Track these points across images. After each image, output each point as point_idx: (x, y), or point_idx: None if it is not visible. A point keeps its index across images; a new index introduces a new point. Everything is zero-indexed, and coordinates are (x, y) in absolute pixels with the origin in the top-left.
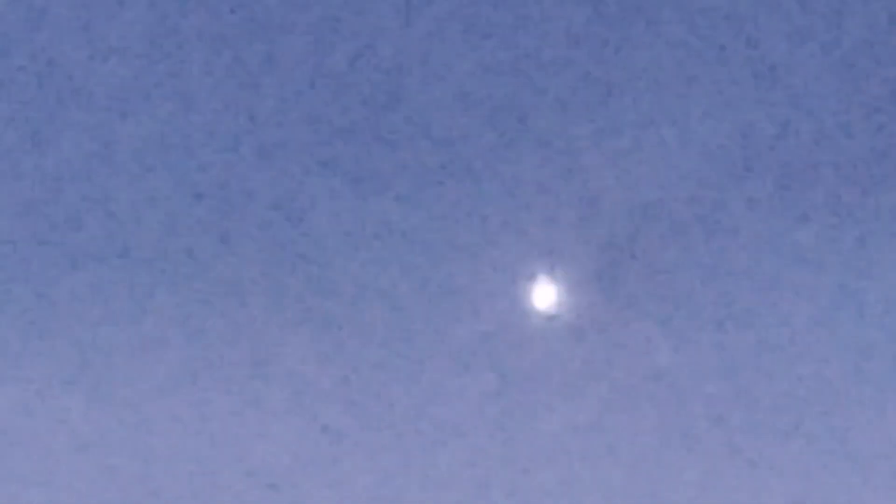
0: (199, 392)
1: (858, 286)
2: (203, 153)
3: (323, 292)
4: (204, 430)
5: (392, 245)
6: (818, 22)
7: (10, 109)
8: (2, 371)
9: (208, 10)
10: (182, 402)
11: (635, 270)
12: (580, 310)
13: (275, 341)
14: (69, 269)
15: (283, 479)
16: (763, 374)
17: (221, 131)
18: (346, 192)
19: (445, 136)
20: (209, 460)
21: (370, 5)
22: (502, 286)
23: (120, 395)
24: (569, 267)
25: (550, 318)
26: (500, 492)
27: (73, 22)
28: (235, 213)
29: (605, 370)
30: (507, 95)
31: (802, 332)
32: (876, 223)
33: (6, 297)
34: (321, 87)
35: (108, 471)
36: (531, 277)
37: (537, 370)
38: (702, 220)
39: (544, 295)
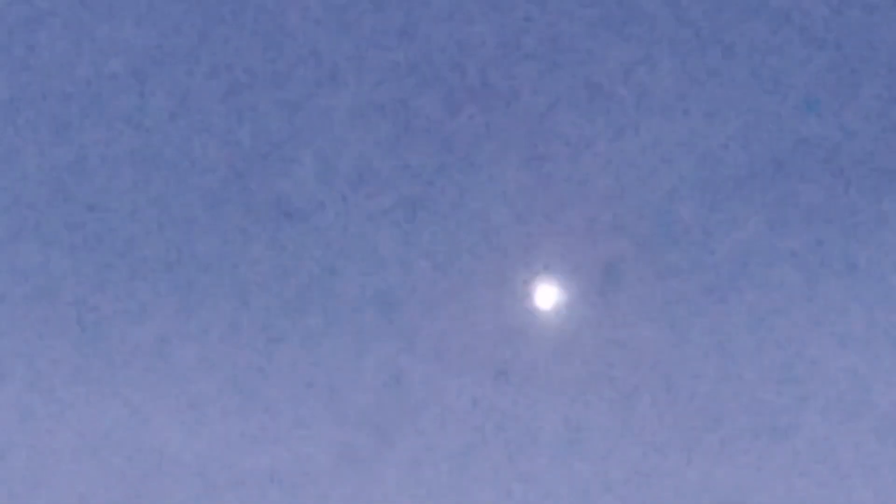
0: (199, 392)
1: (858, 286)
2: (203, 153)
3: (323, 292)
4: (204, 431)
5: (392, 245)
6: (818, 22)
7: (11, 109)
8: (2, 371)
9: (209, 10)
10: (182, 402)
11: (636, 271)
12: (580, 310)
13: (275, 341)
14: (70, 268)
15: (284, 479)
16: (763, 374)
17: (221, 131)
18: (346, 193)
19: (446, 135)
20: (209, 460)
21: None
22: (502, 286)
23: (120, 394)
24: (569, 267)
25: (550, 318)
26: (501, 492)
27: (73, 22)
28: (237, 213)
29: (606, 370)
30: (507, 95)
31: (802, 332)
32: (876, 223)
33: (6, 296)
34: (321, 87)
35: (108, 471)
36: (531, 277)
37: (537, 370)
38: (702, 220)
39: (544, 295)
